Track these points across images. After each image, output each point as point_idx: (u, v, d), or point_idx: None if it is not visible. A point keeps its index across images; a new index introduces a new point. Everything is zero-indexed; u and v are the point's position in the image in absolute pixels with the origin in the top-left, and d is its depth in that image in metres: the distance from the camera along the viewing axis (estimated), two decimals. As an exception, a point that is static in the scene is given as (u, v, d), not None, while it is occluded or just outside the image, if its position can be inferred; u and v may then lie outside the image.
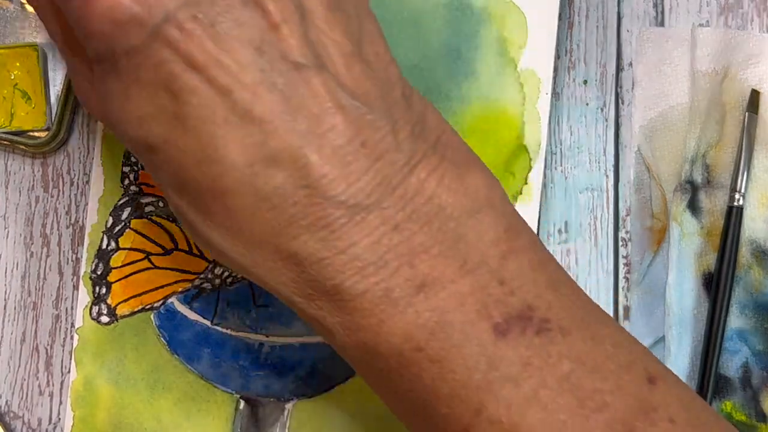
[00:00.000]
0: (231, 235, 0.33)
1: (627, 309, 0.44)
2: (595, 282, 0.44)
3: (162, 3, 0.32)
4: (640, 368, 0.33)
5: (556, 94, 0.45)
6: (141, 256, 0.44)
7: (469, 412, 0.32)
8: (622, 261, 0.45)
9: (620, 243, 0.45)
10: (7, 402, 0.45)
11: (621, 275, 0.45)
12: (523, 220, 0.35)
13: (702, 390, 0.43)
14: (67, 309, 0.45)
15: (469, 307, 0.32)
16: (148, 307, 0.44)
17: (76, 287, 0.45)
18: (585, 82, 0.46)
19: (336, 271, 0.32)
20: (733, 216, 0.43)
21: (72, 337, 0.45)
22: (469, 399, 0.32)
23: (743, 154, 0.44)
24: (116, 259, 0.44)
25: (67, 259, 0.46)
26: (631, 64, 0.46)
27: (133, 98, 0.32)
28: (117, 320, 0.44)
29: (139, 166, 0.45)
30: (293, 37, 0.32)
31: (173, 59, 0.31)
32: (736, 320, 0.43)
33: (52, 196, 0.46)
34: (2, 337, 0.46)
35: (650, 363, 0.34)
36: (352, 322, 0.33)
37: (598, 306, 0.35)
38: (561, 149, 0.45)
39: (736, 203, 0.43)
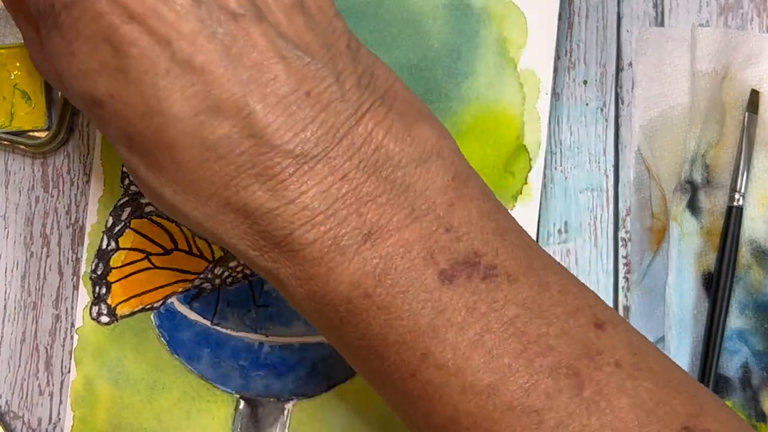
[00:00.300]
0: (182, 189, 0.33)
1: (627, 309, 0.44)
2: (595, 282, 0.44)
3: None
4: (587, 314, 0.33)
5: (556, 94, 0.45)
6: (141, 256, 0.44)
7: (416, 358, 0.33)
8: (622, 261, 0.45)
9: (620, 243, 0.45)
10: (7, 402, 0.45)
11: (621, 275, 0.45)
12: (473, 170, 0.35)
13: (702, 390, 0.43)
14: (67, 309, 0.45)
15: (415, 254, 0.33)
16: (148, 307, 0.44)
17: (76, 287, 0.45)
18: (585, 82, 0.46)
19: (286, 221, 0.32)
20: (733, 216, 0.43)
21: (72, 337, 0.45)
22: (415, 344, 0.33)
23: (743, 154, 0.44)
24: (116, 259, 0.44)
25: (67, 259, 0.46)
26: (631, 64, 0.46)
27: (76, 53, 0.32)
28: (117, 320, 0.44)
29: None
30: None
31: (111, 10, 0.32)
32: (736, 320, 0.43)
33: (52, 196, 0.46)
34: (2, 337, 0.46)
35: (600, 309, 0.34)
36: (303, 272, 0.33)
37: (549, 254, 0.35)
38: (561, 149, 0.45)
39: (736, 203, 0.43)
